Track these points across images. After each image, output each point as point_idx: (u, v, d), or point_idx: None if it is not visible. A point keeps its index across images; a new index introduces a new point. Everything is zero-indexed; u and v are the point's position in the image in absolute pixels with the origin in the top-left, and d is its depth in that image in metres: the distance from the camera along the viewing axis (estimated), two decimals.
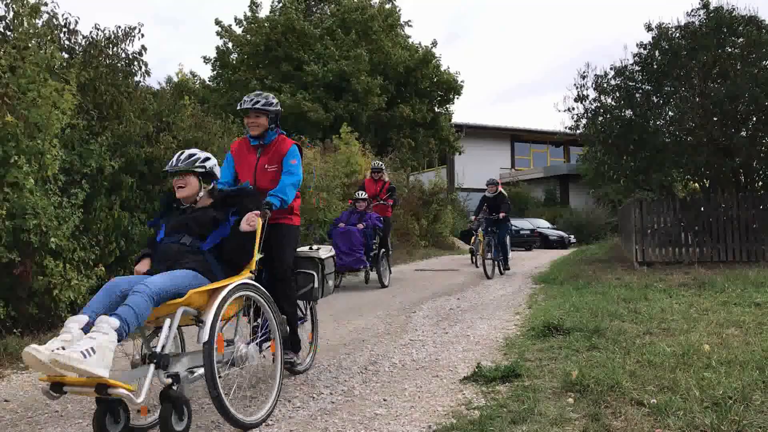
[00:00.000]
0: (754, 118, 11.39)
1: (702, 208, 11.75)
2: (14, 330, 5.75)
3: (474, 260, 13.73)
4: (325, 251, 4.78)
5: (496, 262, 11.66)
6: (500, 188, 12.15)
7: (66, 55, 7.53)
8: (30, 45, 6.37)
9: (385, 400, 3.80)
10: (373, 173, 11.10)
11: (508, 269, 12.21)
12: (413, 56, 24.42)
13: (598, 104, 12.50)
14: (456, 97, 26.03)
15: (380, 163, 11.45)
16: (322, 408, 3.69)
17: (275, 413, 3.58)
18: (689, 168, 12.14)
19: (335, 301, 8.34)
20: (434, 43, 25.23)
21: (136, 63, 8.13)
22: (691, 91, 11.65)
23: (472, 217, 12.40)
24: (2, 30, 6.63)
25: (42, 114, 6.03)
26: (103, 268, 6.77)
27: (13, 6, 6.51)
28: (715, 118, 11.40)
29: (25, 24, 6.50)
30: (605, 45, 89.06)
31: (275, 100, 4.48)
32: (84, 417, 3.62)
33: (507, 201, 12.01)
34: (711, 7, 11.68)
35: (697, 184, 13.58)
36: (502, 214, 11.59)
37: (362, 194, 10.40)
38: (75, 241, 6.50)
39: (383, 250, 10.23)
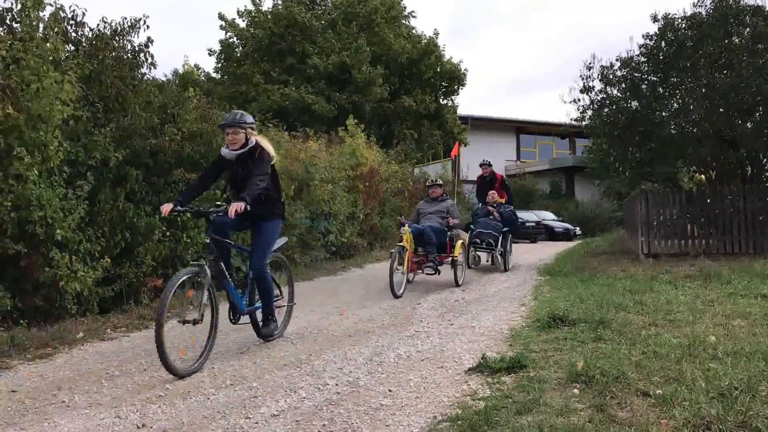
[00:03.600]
0: (760, 110, 11.32)
1: (708, 200, 11.72)
2: (21, 321, 5.79)
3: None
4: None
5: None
6: (254, 137, 5.15)
7: (72, 48, 7.53)
8: (36, 37, 6.38)
9: (390, 390, 3.81)
10: None
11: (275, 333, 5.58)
12: (416, 47, 24.36)
13: (604, 95, 12.43)
14: (460, 87, 25.94)
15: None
16: (328, 398, 3.70)
17: (281, 404, 3.60)
18: (695, 160, 12.10)
19: (339, 292, 8.35)
20: (436, 33, 25.24)
21: (142, 55, 8.10)
22: (697, 83, 11.57)
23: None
24: (8, 22, 6.64)
25: (44, 105, 6.04)
26: (108, 260, 6.79)
27: None
28: (720, 110, 11.34)
29: (31, 16, 6.51)
30: (614, 38, 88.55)
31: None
32: (90, 407, 3.64)
33: (265, 161, 5.14)
34: None
35: (702, 176, 13.53)
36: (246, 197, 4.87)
37: None
38: (81, 233, 6.52)
39: None
